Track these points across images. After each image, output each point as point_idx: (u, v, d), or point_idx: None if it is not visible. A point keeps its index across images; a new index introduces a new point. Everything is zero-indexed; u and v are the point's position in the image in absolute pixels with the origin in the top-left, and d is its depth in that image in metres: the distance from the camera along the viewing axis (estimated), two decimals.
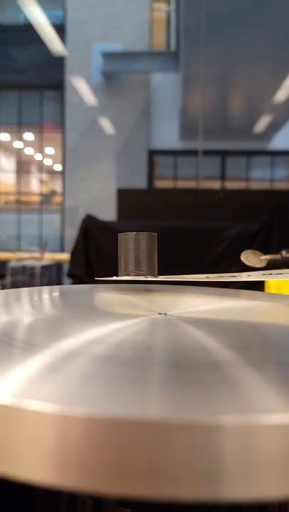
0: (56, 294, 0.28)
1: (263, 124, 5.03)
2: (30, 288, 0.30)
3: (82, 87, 5.16)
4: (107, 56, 5.11)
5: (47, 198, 6.63)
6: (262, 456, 0.10)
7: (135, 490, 0.10)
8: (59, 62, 5.30)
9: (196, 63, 3.99)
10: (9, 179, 6.58)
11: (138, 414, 0.10)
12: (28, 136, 6.36)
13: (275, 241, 1.85)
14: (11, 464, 0.11)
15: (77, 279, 1.90)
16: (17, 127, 6.14)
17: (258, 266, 0.39)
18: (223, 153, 5.50)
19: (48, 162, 6.72)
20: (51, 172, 6.82)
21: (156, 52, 5.35)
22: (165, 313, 0.22)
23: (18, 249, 5.17)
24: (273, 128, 5.17)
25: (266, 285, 0.50)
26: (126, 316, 0.23)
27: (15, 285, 3.26)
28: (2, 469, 0.11)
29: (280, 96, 4.44)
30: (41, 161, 6.58)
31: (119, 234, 0.28)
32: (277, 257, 0.41)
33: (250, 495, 0.10)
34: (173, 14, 5.36)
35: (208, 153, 4.89)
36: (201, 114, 4.40)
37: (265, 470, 0.10)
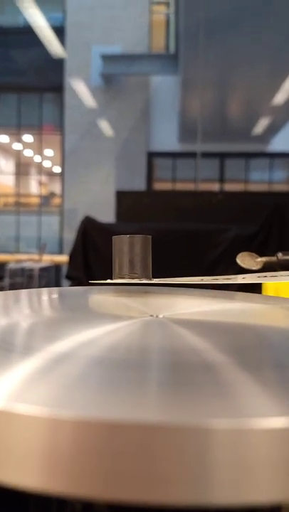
0: (50, 296, 0.28)
1: (261, 126, 5.04)
2: (24, 290, 0.30)
3: (81, 89, 5.17)
4: (107, 58, 5.12)
5: (46, 199, 6.63)
6: (253, 461, 0.10)
7: (126, 495, 0.10)
8: (58, 64, 5.31)
9: (195, 66, 4.00)
10: (8, 181, 6.59)
11: (128, 418, 0.10)
12: (28, 138, 6.36)
13: (274, 243, 1.85)
14: (0, 468, 0.11)
15: (75, 281, 1.90)
16: (16, 129, 6.14)
17: (253, 268, 0.39)
18: (222, 156, 5.51)
19: (47, 164, 6.72)
20: (50, 174, 6.82)
21: (156, 55, 5.37)
22: (157, 316, 0.22)
23: (17, 251, 5.17)
24: (272, 130, 5.18)
25: (263, 287, 0.50)
26: (119, 318, 0.23)
27: (13, 287, 3.25)
28: None
29: (278, 98, 4.45)
30: (40, 163, 6.59)
31: (113, 237, 0.28)
32: (273, 259, 0.41)
33: (242, 499, 0.10)
34: (172, 17, 5.38)
35: (206, 155, 4.90)
36: (199, 116, 4.41)
37: (257, 474, 0.10)
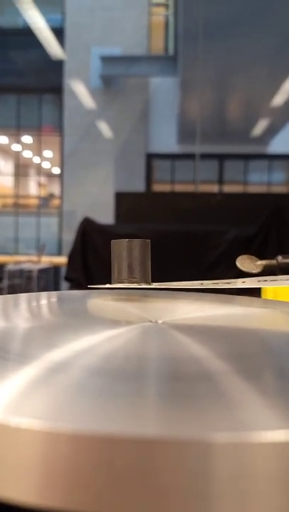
0: (46, 301, 0.28)
1: (260, 127, 5.05)
2: (20, 294, 0.29)
3: (80, 91, 5.17)
4: (106, 60, 5.12)
5: (45, 201, 6.64)
6: (255, 475, 0.10)
7: (124, 510, 0.10)
8: (58, 65, 5.32)
9: (194, 67, 4.01)
10: (7, 182, 6.59)
11: (126, 432, 0.10)
12: (27, 139, 6.37)
13: (273, 245, 1.85)
14: None
15: (74, 282, 1.90)
16: (15, 130, 6.15)
17: (253, 271, 0.39)
18: (221, 157, 5.52)
19: (46, 165, 6.73)
20: (49, 175, 6.83)
21: (155, 57, 5.38)
22: (156, 321, 0.22)
23: (16, 253, 5.16)
24: (271, 132, 5.19)
25: (263, 291, 0.50)
26: (117, 324, 0.22)
27: (12, 288, 3.25)
28: None
29: (277, 100, 4.46)
30: (39, 164, 6.59)
31: (112, 241, 0.28)
32: (273, 262, 0.40)
33: None
34: (171, 18, 5.39)
35: (206, 156, 4.91)
36: (198, 117, 4.42)
37: (259, 489, 0.10)
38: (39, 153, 6.37)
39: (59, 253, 5.08)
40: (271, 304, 0.30)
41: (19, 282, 3.34)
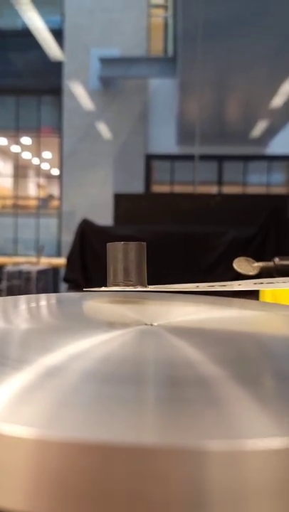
0: (41, 303, 0.28)
1: (259, 129, 5.06)
2: (15, 297, 0.29)
3: (79, 92, 5.18)
4: (105, 61, 5.13)
5: (44, 202, 6.64)
6: (252, 483, 0.10)
7: None
8: (57, 67, 5.32)
9: (193, 68, 4.02)
10: (6, 183, 6.59)
11: (120, 440, 0.10)
12: (26, 140, 6.37)
13: (272, 245, 1.85)
14: None
15: (73, 283, 1.90)
16: (14, 131, 6.15)
17: (250, 273, 0.39)
18: (220, 158, 5.53)
19: (45, 166, 6.73)
20: (48, 176, 6.83)
21: (154, 58, 5.38)
22: (152, 324, 0.22)
23: (15, 254, 5.16)
24: (270, 133, 5.20)
25: (261, 293, 0.50)
26: (113, 327, 0.22)
27: (11, 290, 3.25)
28: None
29: (276, 101, 4.47)
30: (38, 165, 6.59)
31: (107, 244, 0.28)
32: (270, 264, 0.40)
33: None
34: (170, 20, 5.40)
35: (205, 158, 4.91)
36: (198, 119, 4.43)
37: (256, 497, 0.10)
38: (38, 155, 6.38)
39: (58, 254, 5.08)
40: (268, 306, 0.30)
41: (18, 283, 3.34)
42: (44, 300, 0.29)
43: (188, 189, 5.11)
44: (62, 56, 5.27)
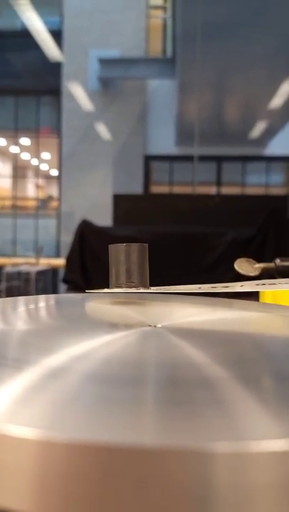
0: (43, 304, 0.28)
1: (258, 129, 5.07)
2: (17, 298, 0.29)
3: (78, 93, 5.18)
4: (104, 62, 5.13)
5: (43, 203, 6.63)
6: (256, 485, 0.10)
7: None
8: (56, 67, 5.32)
9: (192, 69, 4.02)
10: (5, 184, 6.58)
11: (123, 441, 0.10)
12: (25, 141, 6.37)
13: (271, 246, 1.85)
14: None
15: (72, 284, 1.90)
16: (13, 132, 6.14)
17: (251, 274, 0.39)
18: (219, 159, 5.53)
19: (44, 167, 6.73)
20: (47, 177, 6.82)
21: (153, 59, 5.39)
22: (155, 326, 0.22)
23: (14, 255, 5.16)
24: (269, 134, 5.20)
25: (261, 294, 0.50)
26: (115, 328, 0.22)
27: (10, 291, 3.24)
28: None
29: (275, 102, 4.47)
30: (37, 166, 6.59)
31: (109, 246, 0.28)
32: (271, 265, 0.40)
33: None
34: (169, 21, 5.40)
35: (204, 158, 4.92)
36: (197, 119, 4.43)
37: (260, 499, 0.10)
38: (37, 155, 6.37)
39: (57, 255, 5.08)
40: (269, 307, 0.30)
41: (17, 284, 3.33)
42: (47, 301, 0.29)
43: (187, 190, 5.11)
44: (62, 57, 5.27)
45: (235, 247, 1.83)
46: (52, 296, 0.31)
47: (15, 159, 6.55)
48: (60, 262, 3.45)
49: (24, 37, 5.13)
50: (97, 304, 0.29)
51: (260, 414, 0.11)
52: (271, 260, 0.44)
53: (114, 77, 5.31)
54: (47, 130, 6.03)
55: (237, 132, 5.24)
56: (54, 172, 6.30)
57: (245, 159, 5.59)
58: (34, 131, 6.08)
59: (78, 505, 0.10)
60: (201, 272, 1.80)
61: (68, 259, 1.95)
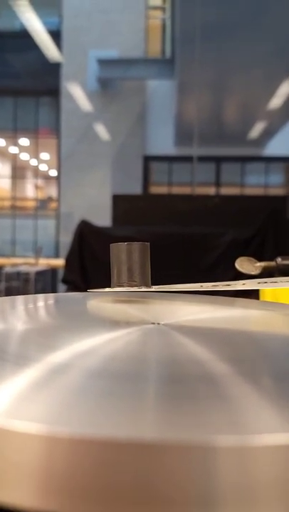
0: (47, 302, 0.28)
1: (257, 130, 5.07)
2: (20, 296, 0.29)
3: (77, 93, 5.18)
4: (103, 63, 5.13)
5: (42, 203, 6.63)
6: (260, 479, 0.10)
7: None
8: (55, 68, 5.32)
9: (191, 70, 4.02)
10: (4, 184, 6.57)
11: (127, 436, 0.10)
12: (24, 141, 6.36)
13: (270, 247, 1.85)
14: None
15: (71, 285, 1.90)
16: (12, 133, 6.14)
17: (252, 273, 0.39)
18: (218, 160, 5.53)
19: (43, 167, 6.72)
20: (46, 177, 6.82)
21: (152, 59, 5.39)
22: (158, 323, 0.22)
23: (13, 255, 5.15)
24: (268, 134, 5.21)
25: (261, 292, 0.50)
26: (118, 326, 0.22)
27: (9, 291, 3.24)
28: None
29: (274, 102, 4.48)
30: (36, 166, 6.58)
31: (111, 245, 0.28)
32: (272, 264, 0.40)
33: None
34: (168, 21, 5.41)
35: (203, 159, 4.92)
36: (196, 120, 4.43)
37: (263, 493, 0.10)
38: (36, 156, 6.37)
39: (56, 255, 5.07)
40: (270, 306, 0.30)
41: (16, 285, 3.33)
42: (50, 300, 0.29)
43: (186, 190, 5.11)
44: (61, 57, 5.26)
45: (235, 247, 1.83)
46: (54, 295, 0.31)
47: (14, 160, 6.54)
48: (60, 262, 3.44)
49: (23, 37, 5.12)
50: (100, 302, 0.29)
51: (262, 408, 0.12)
52: (270, 261, 0.44)
53: (114, 78, 5.31)
54: (46, 130, 6.03)
55: (236, 133, 5.24)
56: (53, 172, 6.29)
57: (245, 160, 5.59)
58: (33, 132, 6.08)
59: (82, 499, 0.10)
60: (200, 272, 1.80)
61: (67, 260, 1.94)
